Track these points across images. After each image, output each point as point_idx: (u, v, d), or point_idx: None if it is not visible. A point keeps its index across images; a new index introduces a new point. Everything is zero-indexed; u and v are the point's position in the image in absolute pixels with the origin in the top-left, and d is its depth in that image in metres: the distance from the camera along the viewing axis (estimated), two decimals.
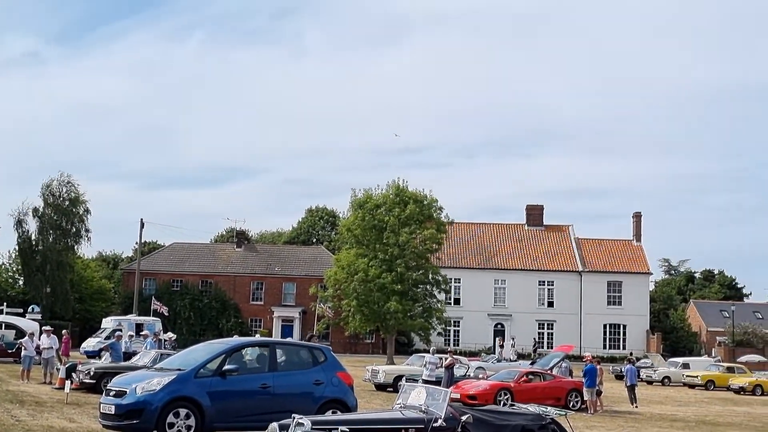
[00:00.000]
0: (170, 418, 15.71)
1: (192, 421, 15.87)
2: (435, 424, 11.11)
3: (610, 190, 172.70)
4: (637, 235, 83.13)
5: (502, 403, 29.73)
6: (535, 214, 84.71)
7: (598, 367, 31.19)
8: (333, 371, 17.59)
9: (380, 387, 36.10)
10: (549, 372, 34.42)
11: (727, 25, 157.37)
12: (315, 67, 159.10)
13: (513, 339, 70.95)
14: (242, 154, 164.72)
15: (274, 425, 11.08)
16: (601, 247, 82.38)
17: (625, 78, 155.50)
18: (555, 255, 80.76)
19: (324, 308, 63.12)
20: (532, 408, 12.42)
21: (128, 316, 58.30)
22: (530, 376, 32.25)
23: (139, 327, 50.19)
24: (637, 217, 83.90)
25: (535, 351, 63.85)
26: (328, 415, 13.09)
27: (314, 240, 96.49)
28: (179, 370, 16.46)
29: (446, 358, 33.89)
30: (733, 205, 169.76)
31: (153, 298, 65.85)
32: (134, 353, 32.08)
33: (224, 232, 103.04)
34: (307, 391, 17.06)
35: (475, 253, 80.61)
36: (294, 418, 10.98)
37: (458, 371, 34.51)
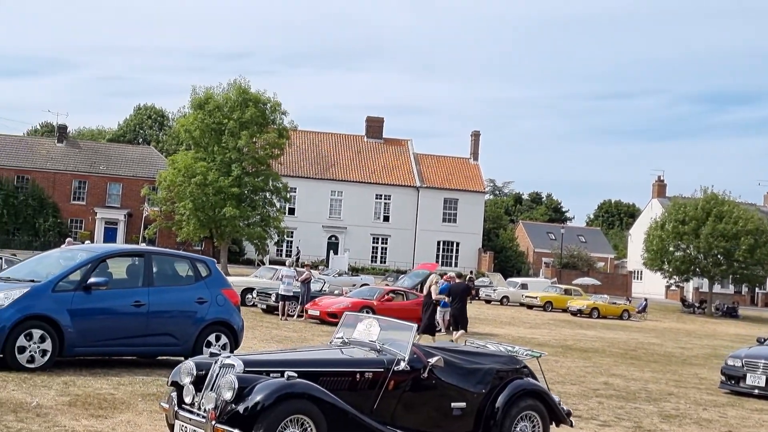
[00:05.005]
0: (21, 341, 12.70)
1: (48, 345, 12.90)
2: (397, 368, 8.72)
3: (442, 109, 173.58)
4: (475, 154, 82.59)
5: None
6: (375, 126, 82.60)
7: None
8: (218, 288, 14.92)
9: None
10: (412, 291, 32.78)
11: None
12: None
13: (347, 251, 69.63)
14: (57, 46, 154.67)
15: (190, 363, 8.39)
16: (439, 163, 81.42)
17: (451, 4, 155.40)
18: (393, 169, 79.25)
19: (155, 211, 59.34)
20: (495, 347, 10.26)
21: None
22: (392, 295, 30.54)
23: None
24: (476, 135, 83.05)
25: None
26: (259, 353, 10.46)
27: (141, 140, 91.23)
28: (32, 282, 13.36)
29: (302, 272, 31.72)
30: (550, 131, 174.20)
31: None
32: None
33: (39, 127, 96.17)
34: (188, 311, 14.37)
35: (312, 163, 77.99)
36: (218, 356, 8.32)
37: (314, 286, 32.46)
